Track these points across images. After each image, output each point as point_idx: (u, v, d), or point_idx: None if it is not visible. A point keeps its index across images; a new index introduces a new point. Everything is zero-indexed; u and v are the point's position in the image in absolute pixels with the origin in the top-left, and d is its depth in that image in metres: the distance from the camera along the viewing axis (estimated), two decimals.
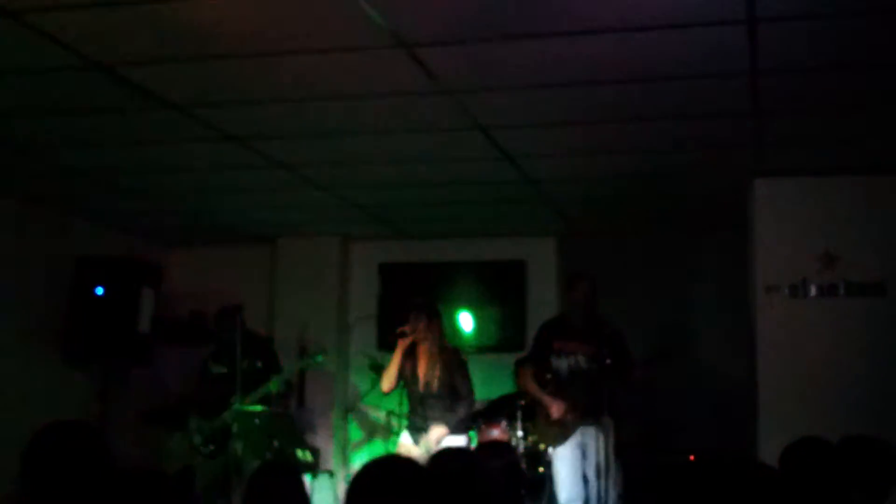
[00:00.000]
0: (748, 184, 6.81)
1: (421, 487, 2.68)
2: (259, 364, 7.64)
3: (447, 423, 6.56)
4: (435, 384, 6.62)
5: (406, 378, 6.75)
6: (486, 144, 6.00)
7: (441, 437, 6.51)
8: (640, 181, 7.04)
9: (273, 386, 7.31)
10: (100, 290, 7.76)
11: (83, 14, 4.17)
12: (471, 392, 6.72)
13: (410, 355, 6.73)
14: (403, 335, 6.68)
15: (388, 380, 6.79)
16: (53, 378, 7.74)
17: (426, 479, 2.77)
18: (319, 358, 7.58)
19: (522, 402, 7.41)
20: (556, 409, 6.65)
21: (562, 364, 6.75)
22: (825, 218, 6.63)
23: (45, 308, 7.77)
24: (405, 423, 7.05)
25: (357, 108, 5.38)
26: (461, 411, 6.63)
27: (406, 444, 6.76)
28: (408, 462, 2.98)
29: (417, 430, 6.69)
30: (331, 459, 8.63)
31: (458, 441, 6.55)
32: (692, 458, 7.36)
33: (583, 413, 6.61)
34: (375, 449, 8.63)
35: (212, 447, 7.43)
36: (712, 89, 5.07)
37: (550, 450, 6.87)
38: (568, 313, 6.98)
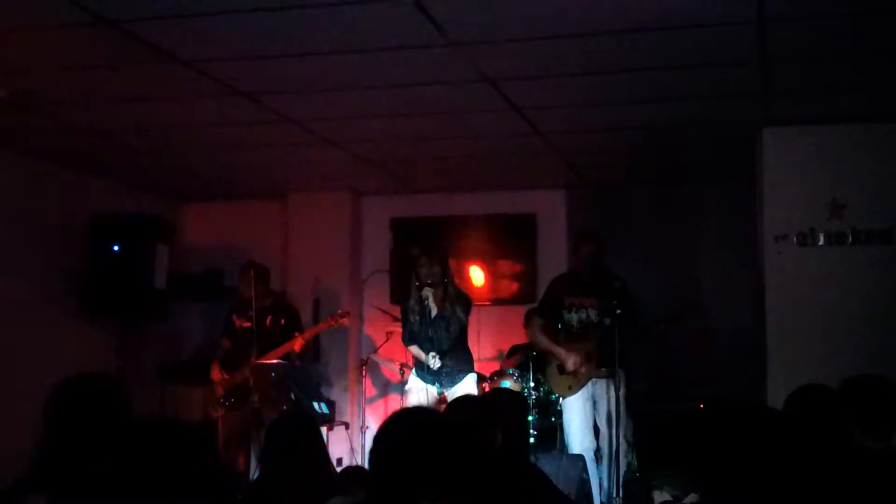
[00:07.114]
0: (756, 133, 6.80)
1: (442, 437, 2.73)
2: (282, 322, 7.76)
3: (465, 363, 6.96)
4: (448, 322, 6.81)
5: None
6: (494, 97, 6.01)
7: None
8: (649, 132, 7.04)
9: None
10: (116, 247, 7.83)
11: None
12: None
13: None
14: (427, 295, 6.76)
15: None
16: (71, 334, 7.83)
17: (447, 428, 2.82)
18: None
19: (534, 353, 7.48)
20: (572, 363, 6.76)
21: (573, 318, 6.86)
22: (833, 166, 6.62)
23: (62, 265, 7.84)
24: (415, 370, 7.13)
25: (366, 61, 5.38)
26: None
27: (417, 389, 6.92)
28: (430, 412, 3.06)
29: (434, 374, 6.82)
30: (346, 412, 8.76)
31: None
32: (701, 406, 7.43)
33: (595, 364, 6.71)
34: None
35: (233, 399, 7.56)
36: (720, 38, 5.06)
37: (561, 399, 6.97)
38: (577, 269, 7.06)
